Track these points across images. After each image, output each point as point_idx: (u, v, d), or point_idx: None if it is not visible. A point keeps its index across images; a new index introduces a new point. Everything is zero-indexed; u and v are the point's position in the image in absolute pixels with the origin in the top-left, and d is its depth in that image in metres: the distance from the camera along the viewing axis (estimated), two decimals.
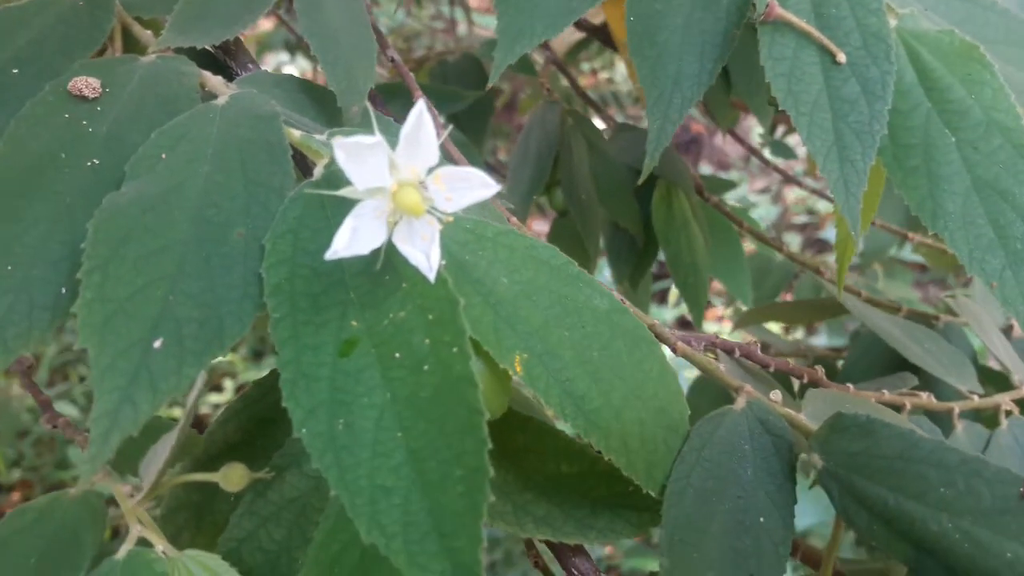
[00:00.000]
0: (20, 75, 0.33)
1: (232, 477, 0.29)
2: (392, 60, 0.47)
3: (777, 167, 0.81)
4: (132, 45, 0.36)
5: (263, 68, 0.39)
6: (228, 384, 2.02)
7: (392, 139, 0.26)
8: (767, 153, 0.88)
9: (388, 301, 0.27)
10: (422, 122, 0.24)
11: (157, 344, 0.25)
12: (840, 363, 0.67)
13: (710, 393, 0.48)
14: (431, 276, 0.25)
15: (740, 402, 0.33)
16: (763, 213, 2.08)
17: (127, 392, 0.24)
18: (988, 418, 0.48)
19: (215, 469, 0.30)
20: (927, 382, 0.50)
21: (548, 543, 0.32)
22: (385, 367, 0.26)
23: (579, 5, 0.42)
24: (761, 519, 0.31)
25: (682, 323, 1.98)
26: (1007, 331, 0.59)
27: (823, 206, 2.19)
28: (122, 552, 0.28)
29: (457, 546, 0.23)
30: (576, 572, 0.31)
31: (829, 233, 2.02)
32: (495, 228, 0.31)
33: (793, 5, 0.39)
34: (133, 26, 0.36)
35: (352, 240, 0.25)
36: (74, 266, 0.28)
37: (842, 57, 0.37)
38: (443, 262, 0.26)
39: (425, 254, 0.25)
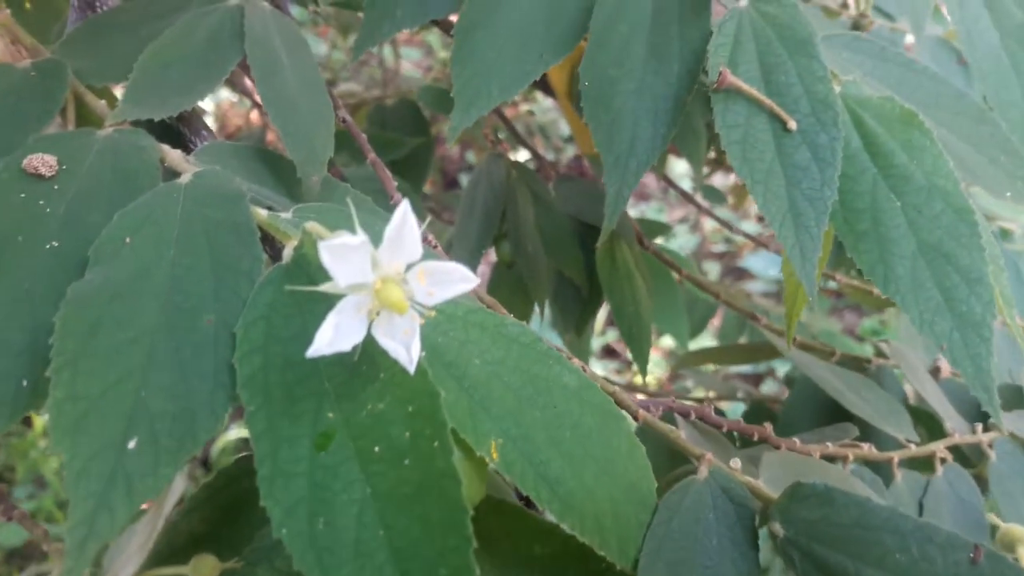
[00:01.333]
0: None
1: (202, 569, 0.29)
2: (344, 121, 0.46)
3: (699, 204, 0.83)
4: (86, 116, 0.35)
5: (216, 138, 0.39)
6: None
7: (363, 219, 0.26)
8: (699, 198, 0.91)
9: (365, 392, 0.27)
10: (406, 221, 0.24)
11: (132, 444, 0.25)
12: (777, 406, 0.69)
13: (653, 441, 0.49)
14: (411, 369, 0.25)
15: (703, 471, 0.34)
16: (683, 243, 2.13)
17: (103, 498, 0.24)
18: (923, 463, 0.50)
19: (179, 562, 0.29)
20: (864, 429, 0.53)
21: None
22: (364, 461, 0.26)
23: (534, 68, 0.43)
24: None
25: (607, 351, 2.01)
26: (935, 372, 0.62)
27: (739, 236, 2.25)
28: None
29: None
30: None
31: (747, 262, 2.07)
32: (465, 306, 0.31)
33: (743, 73, 0.41)
34: (86, 95, 0.35)
35: (335, 337, 0.25)
36: (36, 357, 0.27)
37: (792, 124, 0.39)
38: (423, 353, 0.26)
39: (406, 347, 0.25)
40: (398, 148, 0.69)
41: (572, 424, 0.30)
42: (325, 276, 0.25)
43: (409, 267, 0.25)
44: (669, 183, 0.78)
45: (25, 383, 0.27)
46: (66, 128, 0.34)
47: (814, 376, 0.51)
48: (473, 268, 0.57)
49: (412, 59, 2.36)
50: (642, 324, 0.59)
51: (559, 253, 0.59)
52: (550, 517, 0.30)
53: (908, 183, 0.39)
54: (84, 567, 0.23)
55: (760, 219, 2.36)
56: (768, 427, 0.44)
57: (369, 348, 0.27)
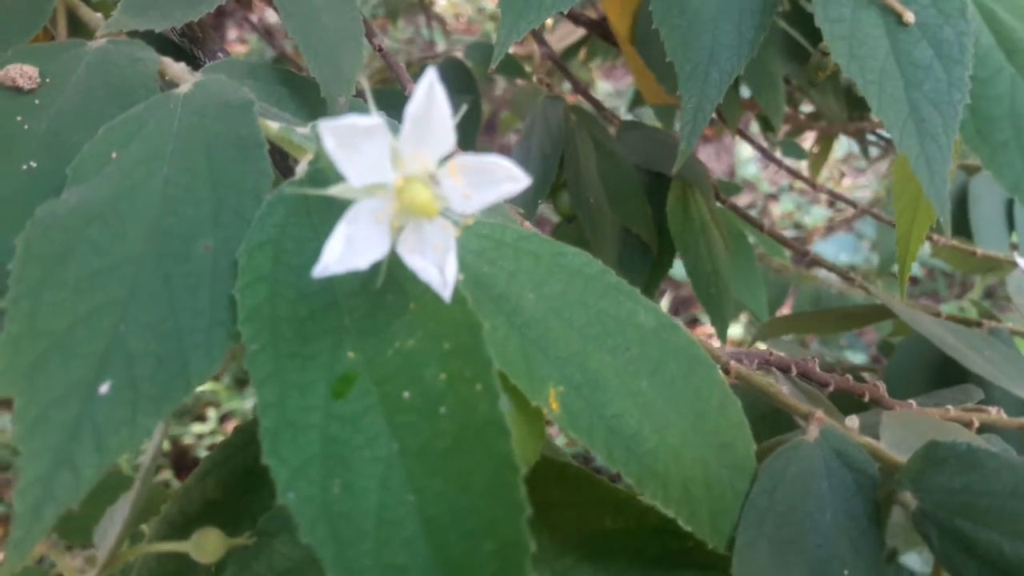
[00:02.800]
0: None
1: (206, 545, 0.24)
2: (380, 49, 0.41)
3: (790, 168, 0.76)
4: (79, 30, 0.31)
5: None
6: (211, 414, 1.96)
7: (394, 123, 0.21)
8: (778, 154, 0.83)
9: (392, 326, 0.21)
10: (433, 98, 0.19)
11: (104, 388, 0.20)
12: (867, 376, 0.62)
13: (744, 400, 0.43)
14: (446, 294, 0.20)
15: (813, 431, 0.28)
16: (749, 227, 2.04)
17: (64, 452, 0.19)
18: None
19: (184, 535, 0.24)
20: (987, 393, 0.45)
21: None
22: (391, 410, 0.20)
23: None
24: (845, 572, 0.26)
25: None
26: None
27: (809, 220, 2.16)
28: None
29: None
30: None
31: (818, 247, 1.97)
32: (515, 232, 0.26)
33: None
34: (80, 8, 0.31)
35: (347, 251, 0.19)
36: (2, 290, 0.22)
37: (910, 17, 0.32)
38: (461, 276, 0.21)
39: (439, 267, 0.20)
40: None
41: (651, 370, 0.25)
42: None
43: (441, 162, 0.20)
44: (743, 136, 0.71)
45: None
46: (52, 40, 0.30)
47: (928, 333, 0.44)
48: (532, 207, 0.52)
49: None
50: (720, 282, 0.53)
51: (625, 205, 0.53)
52: (622, 484, 0.24)
53: None
54: (38, 537, 0.18)
55: (831, 203, 2.24)
56: (881, 386, 0.37)
57: (396, 273, 0.21)
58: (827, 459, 0.28)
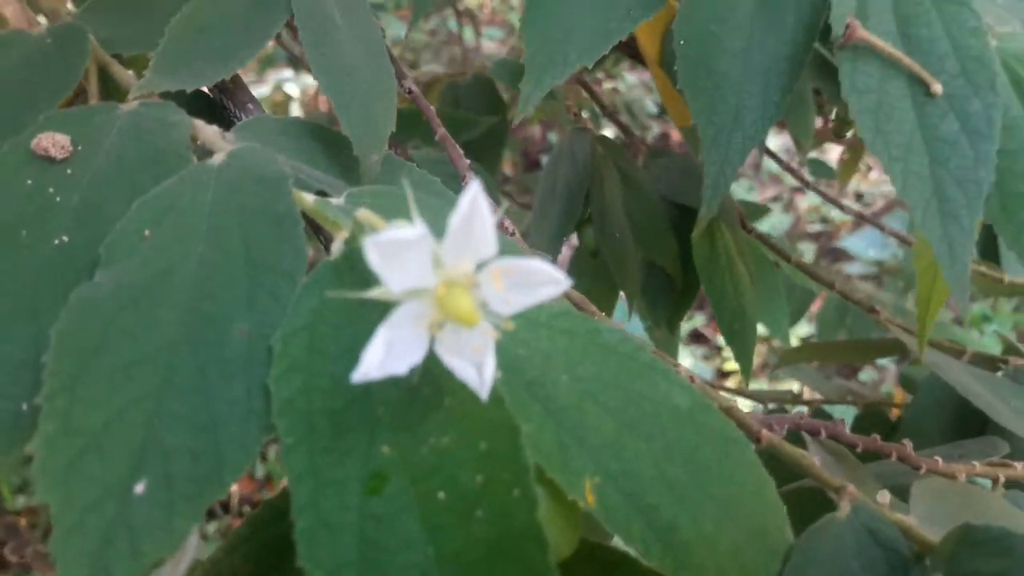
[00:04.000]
0: None
1: None
2: (410, 92, 0.41)
3: (804, 178, 0.75)
4: (112, 90, 0.31)
5: (264, 97, 0.34)
6: None
7: (424, 201, 0.21)
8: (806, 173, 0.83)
9: (427, 421, 0.21)
10: (476, 208, 0.18)
11: (139, 489, 0.20)
12: (894, 411, 0.61)
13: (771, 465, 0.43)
14: (484, 394, 0.20)
15: (844, 508, 0.28)
16: (775, 222, 2.03)
17: (100, 559, 0.19)
18: None
19: None
20: (1013, 445, 0.45)
21: None
22: (426, 512, 0.20)
23: (619, 26, 0.37)
24: None
25: (694, 336, 1.93)
26: None
27: (837, 213, 2.14)
28: None
29: None
30: None
31: (845, 242, 1.95)
32: (549, 310, 0.25)
33: (875, 26, 0.34)
34: (112, 66, 0.31)
35: (387, 357, 0.19)
36: (39, 375, 0.22)
37: (938, 88, 0.32)
38: (499, 375, 0.21)
39: (477, 368, 0.20)
40: (471, 127, 0.63)
41: (686, 457, 0.24)
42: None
43: (481, 266, 0.20)
44: (771, 155, 0.71)
45: (25, 406, 0.22)
46: (86, 103, 0.29)
47: (954, 382, 0.44)
48: (554, 256, 0.51)
49: (495, 38, 2.30)
50: (746, 319, 0.52)
51: (650, 239, 0.52)
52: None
53: None
54: None
55: (859, 196, 2.23)
56: (908, 445, 0.37)
57: (432, 365, 0.21)
58: (859, 537, 0.27)
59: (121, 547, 0.19)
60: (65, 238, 0.25)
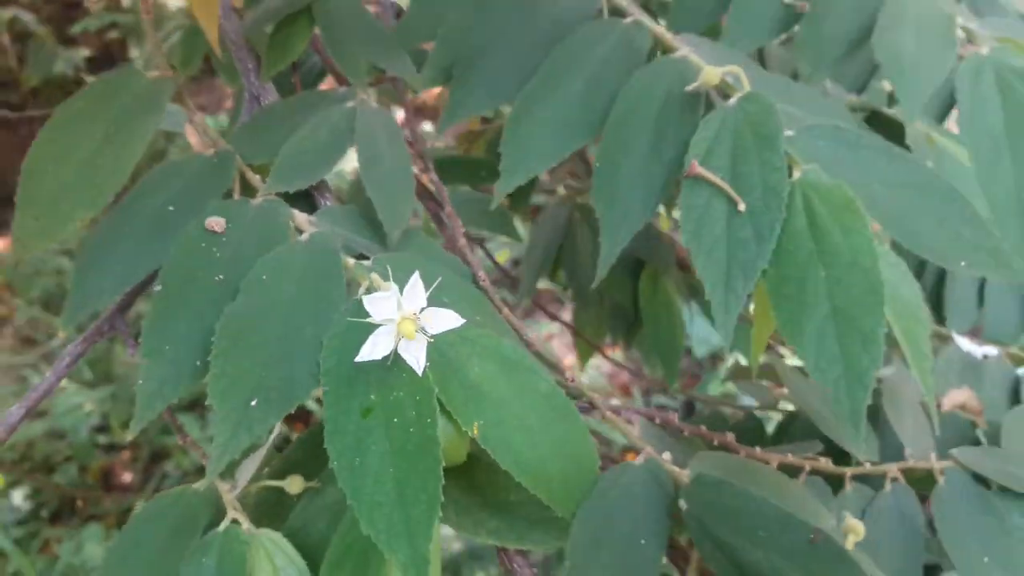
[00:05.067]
0: (175, 212, 0.51)
1: (294, 484, 0.46)
2: (433, 181, 0.63)
3: None
4: (246, 186, 0.53)
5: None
6: None
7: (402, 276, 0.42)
8: None
9: (393, 384, 0.42)
10: (416, 285, 0.40)
11: (253, 403, 0.42)
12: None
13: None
14: (419, 371, 0.41)
15: (641, 459, 0.48)
16: None
17: (235, 432, 0.41)
18: (877, 482, 0.61)
19: (284, 478, 0.47)
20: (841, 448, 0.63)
21: (499, 547, 0.47)
22: (387, 427, 0.42)
23: (565, 146, 0.58)
24: (642, 541, 0.46)
25: None
26: (937, 406, 0.71)
27: None
28: (221, 527, 0.45)
29: (417, 541, 0.38)
30: (516, 567, 0.47)
31: None
32: (476, 332, 0.46)
33: (716, 161, 0.53)
34: (247, 172, 0.54)
35: (372, 350, 0.41)
36: (205, 349, 0.45)
37: (742, 206, 0.51)
38: (427, 363, 0.42)
39: (416, 359, 0.41)
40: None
41: (537, 416, 0.45)
42: None
43: (421, 309, 0.41)
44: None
45: (198, 363, 0.45)
46: (234, 197, 0.52)
47: (797, 396, 0.63)
48: (531, 286, 0.72)
49: None
50: (675, 347, 0.73)
51: (611, 281, 0.73)
52: None
53: (837, 258, 0.50)
54: (221, 469, 0.40)
55: None
56: (730, 436, 0.56)
57: (398, 358, 0.42)
58: (645, 477, 0.47)
59: (244, 428, 0.41)
60: (220, 277, 0.47)
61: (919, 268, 0.98)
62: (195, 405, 2.53)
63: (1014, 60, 0.65)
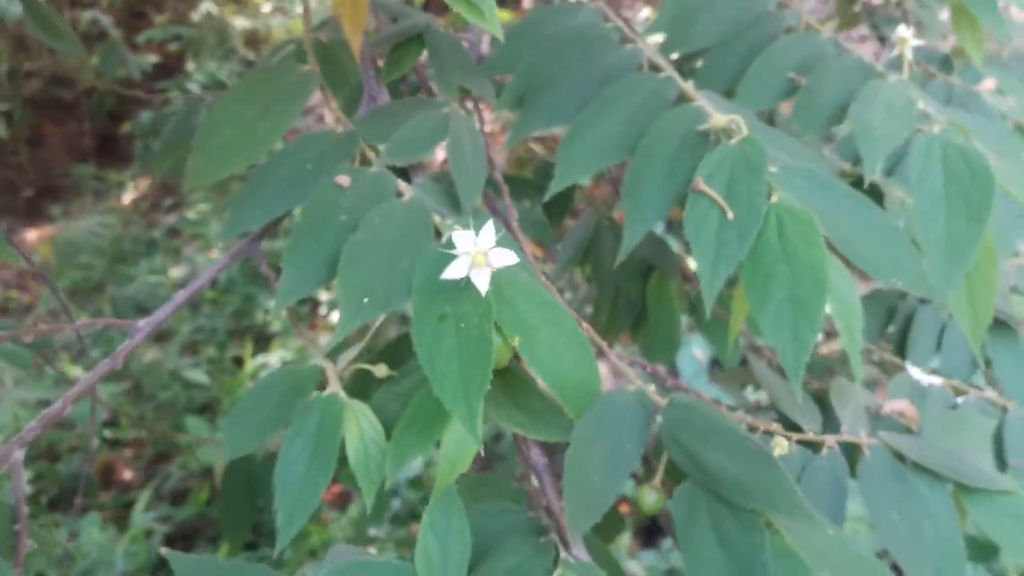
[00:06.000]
0: (312, 169, 0.69)
1: (380, 370, 0.63)
2: (496, 182, 0.81)
3: None
4: (364, 159, 0.72)
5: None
6: None
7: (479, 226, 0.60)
8: None
9: (463, 299, 0.60)
10: (488, 230, 0.57)
11: (365, 301, 0.60)
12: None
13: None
14: (483, 291, 0.58)
15: (631, 387, 0.65)
16: None
17: (351, 318, 0.59)
18: (818, 448, 0.77)
19: (376, 363, 0.64)
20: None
21: (521, 437, 0.64)
22: (456, 329, 0.59)
23: (606, 160, 0.76)
24: (627, 445, 0.63)
25: None
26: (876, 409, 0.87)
27: None
28: (325, 392, 0.62)
29: (471, 404, 0.55)
30: (529, 455, 0.64)
31: None
32: (524, 278, 0.64)
33: (715, 183, 0.70)
34: (366, 149, 0.72)
35: (452, 272, 0.58)
36: (328, 265, 0.62)
37: (731, 215, 0.69)
38: (490, 288, 0.59)
39: (483, 283, 0.58)
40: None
41: (562, 340, 0.62)
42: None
43: (491, 248, 0.58)
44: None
45: (323, 273, 0.63)
46: (355, 165, 0.70)
47: (763, 380, 0.80)
48: (564, 270, 0.90)
49: None
50: (672, 340, 0.89)
51: (625, 278, 0.90)
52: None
53: (796, 260, 0.67)
54: (339, 340, 0.58)
55: None
56: (705, 394, 0.73)
57: (468, 281, 0.60)
58: (632, 400, 0.64)
59: (358, 316, 0.59)
60: (343, 218, 0.65)
61: (889, 314, 1.16)
62: (205, 409, 2.69)
63: (957, 139, 0.82)
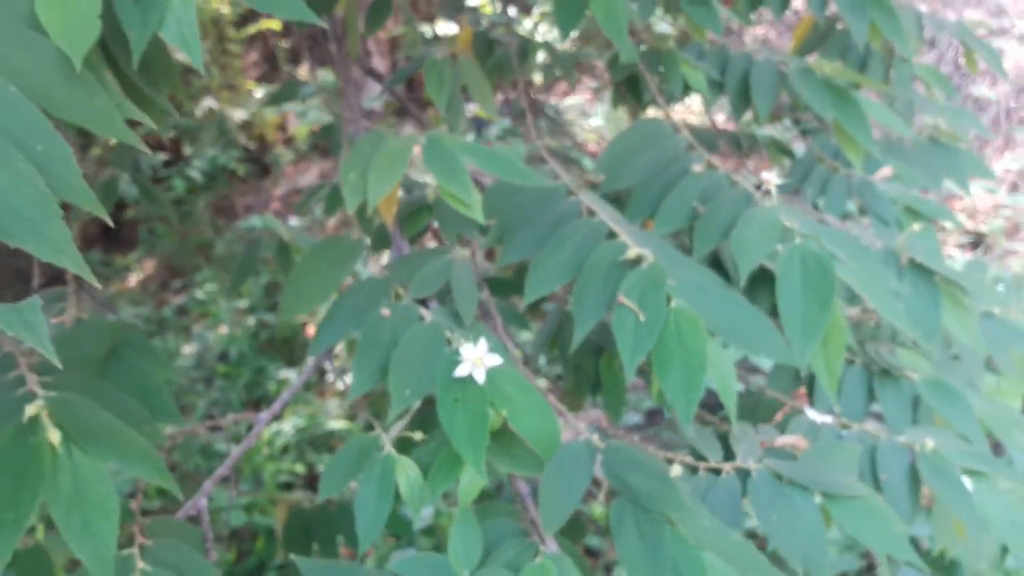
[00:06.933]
0: (364, 304, 1.04)
1: (417, 435, 0.97)
2: (486, 297, 1.16)
3: None
4: (397, 295, 1.07)
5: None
6: None
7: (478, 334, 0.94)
8: None
9: (468, 388, 0.94)
10: (482, 343, 0.92)
11: (407, 392, 0.94)
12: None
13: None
14: (480, 383, 0.93)
15: (581, 438, 0.99)
16: None
17: (399, 404, 0.93)
18: (719, 473, 1.11)
19: (413, 431, 0.99)
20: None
21: (512, 475, 0.98)
22: (465, 408, 0.93)
23: (560, 280, 1.11)
24: (579, 476, 0.96)
25: None
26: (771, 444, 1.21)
27: None
28: (383, 453, 0.96)
29: (478, 454, 0.89)
30: (518, 486, 0.97)
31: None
32: (507, 369, 0.98)
33: (632, 296, 1.05)
34: (398, 288, 1.07)
35: (461, 371, 0.93)
36: (381, 369, 0.97)
37: (643, 318, 1.03)
38: (485, 380, 0.93)
39: (479, 377, 0.93)
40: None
41: (534, 410, 0.96)
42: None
43: (485, 354, 0.93)
44: None
45: (378, 377, 0.97)
46: (392, 299, 1.05)
47: (679, 425, 1.13)
48: (539, 353, 1.23)
49: None
50: (619, 401, 1.23)
51: (582, 357, 1.24)
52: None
53: (686, 345, 1.01)
54: (395, 420, 0.92)
55: None
56: (636, 438, 1.07)
57: (471, 376, 0.94)
58: (583, 445, 0.98)
59: (403, 404, 0.93)
60: (387, 336, 1.00)
61: (798, 373, 1.49)
62: (225, 478, 3.00)
63: (813, 248, 1.17)
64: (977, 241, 4.11)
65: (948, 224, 4.17)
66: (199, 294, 4.00)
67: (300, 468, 2.95)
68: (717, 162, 1.32)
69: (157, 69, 0.74)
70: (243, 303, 3.83)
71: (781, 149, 1.90)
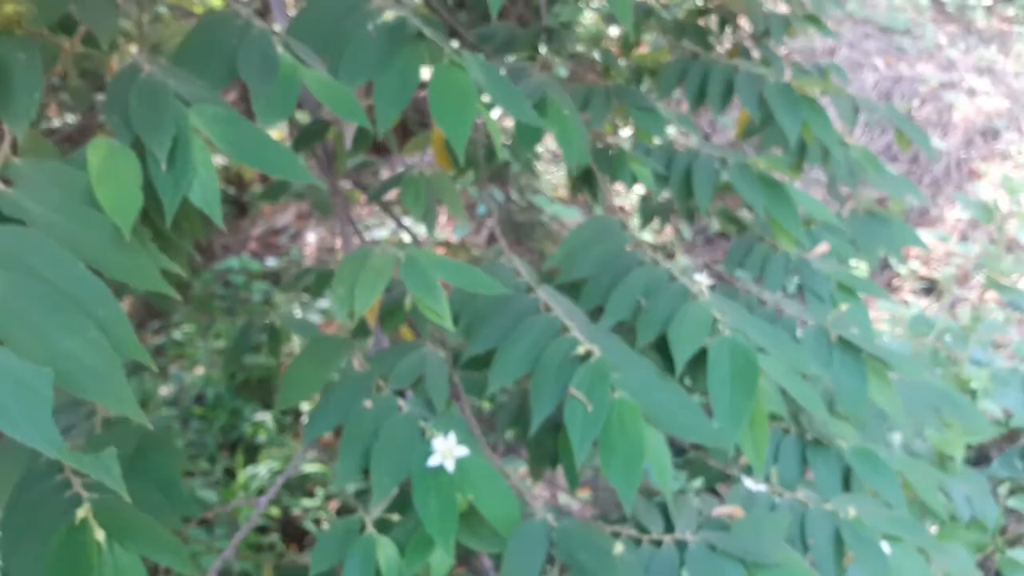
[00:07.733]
0: (348, 397, 1.18)
1: (395, 516, 1.12)
2: (457, 381, 1.31)
3: None
4: (379, 387, 1.21)
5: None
6: (319, 492, 2.87)
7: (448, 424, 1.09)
8: None
9: (440, 476, 1.08)
10: (451, 436, 1.07)
11: (386, 479, 1.08)
12: None
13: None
14: (450, 471, 1.07)
15: (538, 517, 1.14)
16: None
17: (381, 491, 1.07)
18: (659, 544, 1.26)
19: (391, 513, 1.13)
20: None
21: (476, 552, 1.13)
22: (437, 492, 1.07)
23: (520, 371, 1.26)
24: (537, 551, 1.11)
25: None
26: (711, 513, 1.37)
27: None
28: (365, 534, 1.10)
29: (447, 536, 1.04)
30: (482, 561, 1.12)
31: None
32: (474, 458, 1.13)
33: (581, 388, 1.21)
34: (379, 380, 1.22)
35: (433, 461, 1.07)
36: (365, 457, 1.11)
37: (590, 408, 1.19)
38: (454, 469, 1.08)
39: (449, 466, 1.07)
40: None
41: (496, 493, 1.11)
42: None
43: (455, 446, 1.08)
44: None
45: (362, 464, 1.11)
46: (374, 391, 1.20)
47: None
48: (503, 434, 1.38)
49: None
50: (575, 475, 1.39)
51: (544, 436, 1.40)
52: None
53: (627, 432, 1.17)
54: (380, 505, 1.06)
55: None
56: (588, 514, 1.22)
57: (441, 466, 1.09)
58: (539, 525, 1.13)
59: (384, 490, 1.07)
60: (370, 426, 1.14)
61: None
62: (203, 522, 3.09)
63: (741, 341, 1.34)
64: (931, 287, 4.31)
65: (903, 270, 4.39)
66: (176, 335, 4.08)
67: (276, 511, 3.05)
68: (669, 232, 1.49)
69: (183, 222, 0.89)
70: (220, 343, 3.92)
71: (730, 219, 2.08)
